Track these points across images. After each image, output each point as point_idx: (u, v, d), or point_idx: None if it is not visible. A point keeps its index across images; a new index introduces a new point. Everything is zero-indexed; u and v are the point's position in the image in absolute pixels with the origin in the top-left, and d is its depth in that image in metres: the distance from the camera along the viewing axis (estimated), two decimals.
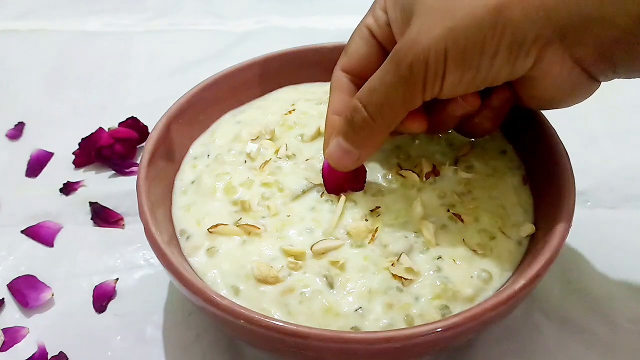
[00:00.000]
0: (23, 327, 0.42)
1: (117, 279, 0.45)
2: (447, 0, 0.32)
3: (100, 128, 0.55)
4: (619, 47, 0.31)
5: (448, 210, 0.38)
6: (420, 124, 0.37)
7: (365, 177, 0.40)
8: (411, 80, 0.33)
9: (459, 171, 0.41)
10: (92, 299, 0.44)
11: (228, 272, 0.36)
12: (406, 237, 0.37)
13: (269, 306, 0.35)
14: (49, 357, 0.40)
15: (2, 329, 0.42)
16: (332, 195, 0.39)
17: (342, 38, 0.52)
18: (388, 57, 0.34)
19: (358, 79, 0.39)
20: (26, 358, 0.40)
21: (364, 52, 0.39)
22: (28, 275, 0.45)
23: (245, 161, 0.42)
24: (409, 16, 0.34)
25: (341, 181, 0.39)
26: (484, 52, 0.32)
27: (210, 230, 0.38)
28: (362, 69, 0.39)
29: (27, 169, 0.54)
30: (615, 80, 0.34)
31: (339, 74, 0.40)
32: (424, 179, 0.40)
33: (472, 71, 0.33)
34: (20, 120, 0.59)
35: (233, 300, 0.34)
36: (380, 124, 0.35)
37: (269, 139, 0.43)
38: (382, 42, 0.39)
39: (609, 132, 0.55)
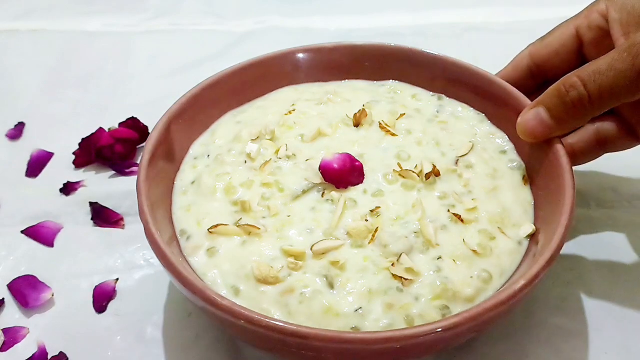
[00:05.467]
0: (23, 327, 0.42)
1: (117, 279, 0.45)
2: None
3: (100, 128, 0.55)
4: None
5: (448, 210, 0.38)
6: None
7: (363, 170, 0.40)
8: None
9: (459, 171, 0.41)
10: (92, 299, 0.44)
11: (228, 272, 0.36)
12: (406, 237, 0.37)
13: (269, 306, 0.35)
14: (49, 357, 0.40)
15: (2, 329, 0.42)
16: (332, 195, 0.39)
17: (342, 38, 0.52)
18: (621, 45, 0.36)
19: (536, 66, 0.44)
20: (26, 358, 0.40)
21: (559, 47, 0.42)
22: (28, 275, 0.45)
23: (245, 161, 0.42)
24: None
25: (338, 175, 0.39)
26: None
27: (210, 230, 0.38)
28: (547, 61, 0.43)
29: (27, 169, 0.54)
30: None
31: (524, 54, 0.44)
32: (424, 179, 0.40)
33: None
34: (20, 120, 0.59)
35: (233, 300, 0.33)
36: (595, 105, 0.37)
37: (269, 139, 0.43)
38: (584, 43, 0.42)
39: None
